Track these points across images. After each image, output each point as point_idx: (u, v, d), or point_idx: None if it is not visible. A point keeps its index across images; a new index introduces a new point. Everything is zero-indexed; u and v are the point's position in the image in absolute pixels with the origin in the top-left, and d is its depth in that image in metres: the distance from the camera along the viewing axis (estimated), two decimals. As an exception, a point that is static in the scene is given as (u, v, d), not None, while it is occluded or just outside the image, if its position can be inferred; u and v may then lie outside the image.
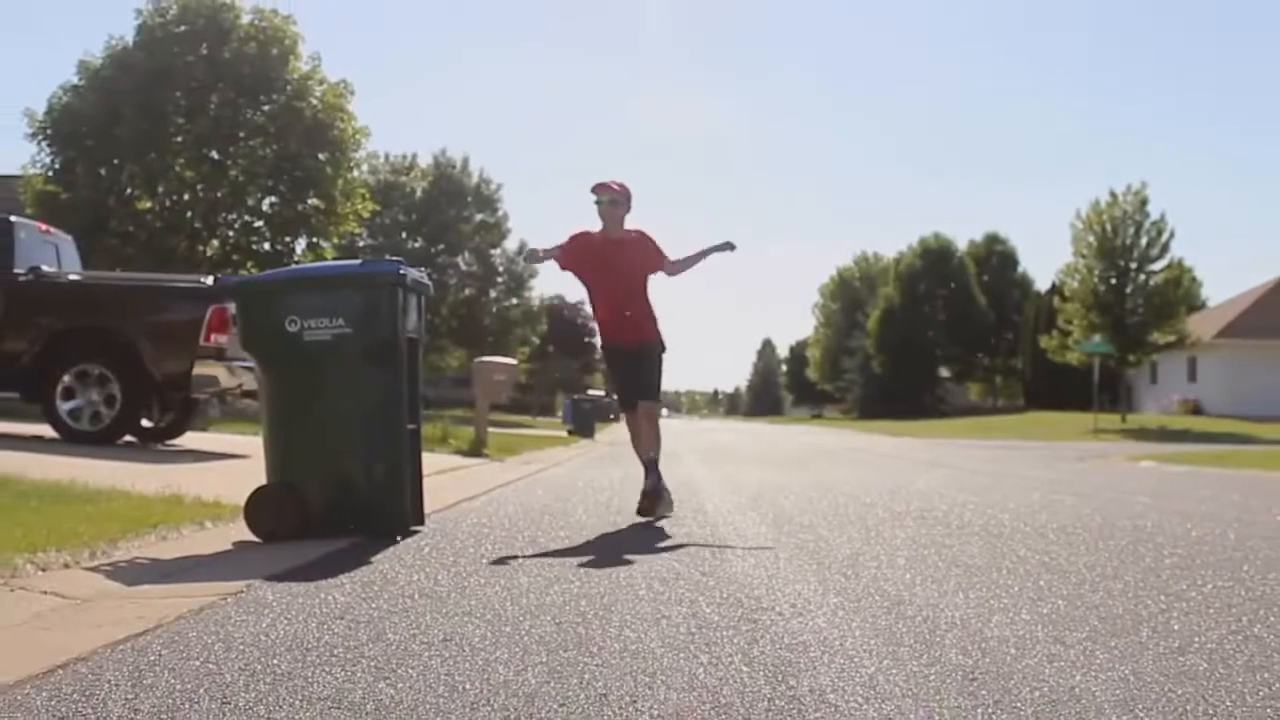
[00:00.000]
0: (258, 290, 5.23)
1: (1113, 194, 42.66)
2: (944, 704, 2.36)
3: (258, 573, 3.85)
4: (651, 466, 6.28)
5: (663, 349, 6.57)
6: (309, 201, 25.93)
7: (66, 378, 9.53)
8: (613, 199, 6.41)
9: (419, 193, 45.83)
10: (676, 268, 6.57)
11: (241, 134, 25.27)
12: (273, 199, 26.23)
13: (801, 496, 8.14)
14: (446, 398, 42.63)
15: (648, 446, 6.35)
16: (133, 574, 3.82)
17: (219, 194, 25.16)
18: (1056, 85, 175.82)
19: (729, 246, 6.65)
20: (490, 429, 15.12)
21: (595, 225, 6.49)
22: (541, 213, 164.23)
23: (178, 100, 24.56)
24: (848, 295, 79.08)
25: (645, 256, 6.50)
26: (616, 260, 6.39)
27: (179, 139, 24.67)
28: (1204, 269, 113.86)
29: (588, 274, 6.55)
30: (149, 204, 24.98)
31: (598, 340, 7.13)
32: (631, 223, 6.56)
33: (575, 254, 6.50)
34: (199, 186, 25.01)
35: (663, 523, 5.99)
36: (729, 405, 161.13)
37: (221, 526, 5.00)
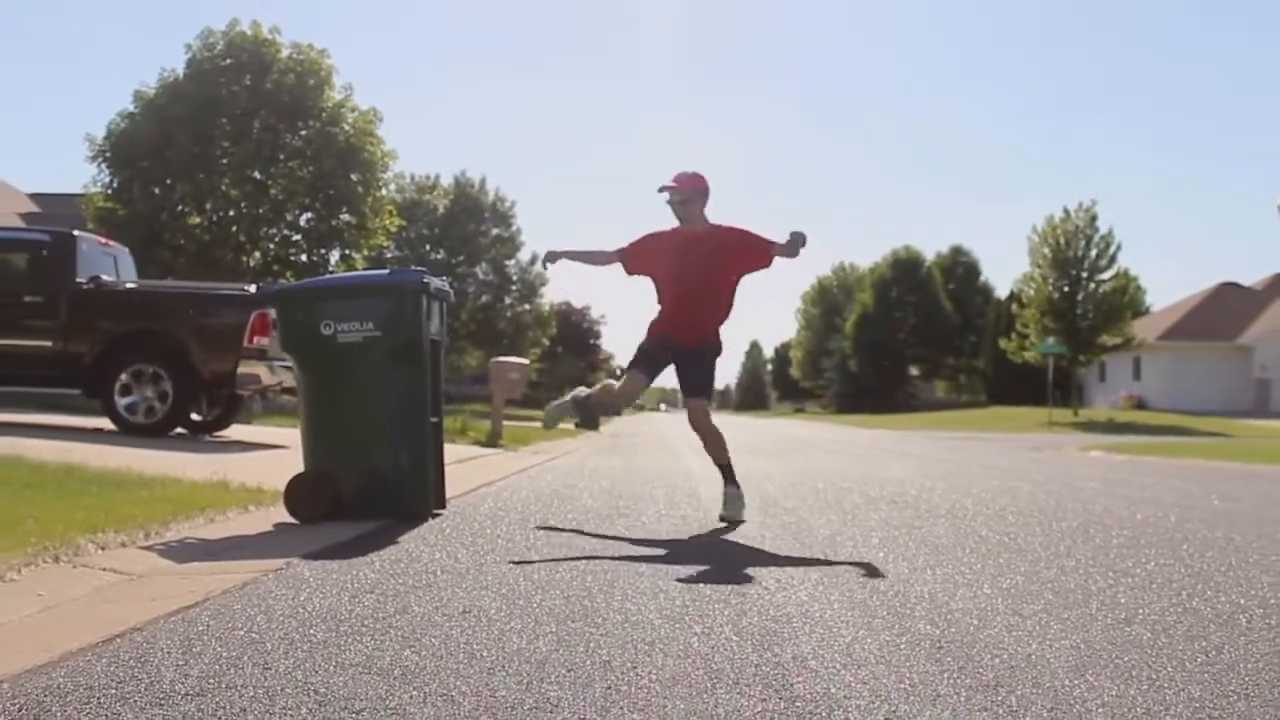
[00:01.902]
0: (296, 297, 5.22)
1: (1066, 210, 42.64)
2: (914, 669, 2.36)
3: (296, 551, 3.84)
4: (727, 474, 5.49)
5: (719, 351, 5.62)
6: (342, 217, 25.90)
7: (124, 376, 9.54)
8: (683, 198, 5.39)
9: (441, 209, 45.74)
10: (784, 252, 5.37)
11: (281, 156, 25.25)
12: (309, 215, 26.20)
13: (785, 483, 8.13)
14: (466, 394, 42.55)
15: (716, 451, 5.56)
16: (183, 553, 3.82)
17: (261, 211, 25.15)
18: (1015, 112, 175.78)
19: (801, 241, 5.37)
20: (505, 422, 15.10)
21: (667, 224, 5.55)
22: (551, 226, 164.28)
23: (224, 126, 24.53)
24: (827, 301, 78.99)
25: (736, 254, 5.42)
26: (694, 255, 5.36)
27: (225, 161, 24.65)
28: (1148, 277, 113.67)
29: (658, 271, 5.52)
30: (198, 220, 24.96)
31: (625, 333, 5.93)
32: (724, 220, 5.54)
33: (643, 254, 5.55)
34: (243, 204, 24.99)
35: (659, 507, 5.98)
36: (719, 401, 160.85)
37: (263, 510, 5.00)
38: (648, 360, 5.49)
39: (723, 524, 5.19)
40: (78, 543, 3.64)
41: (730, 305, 5.54)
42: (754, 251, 5.42)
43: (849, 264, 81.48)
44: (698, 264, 5.36)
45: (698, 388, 5.55)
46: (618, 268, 5.67)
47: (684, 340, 5.44)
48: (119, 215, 23.70)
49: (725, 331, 5.62)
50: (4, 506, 4.24)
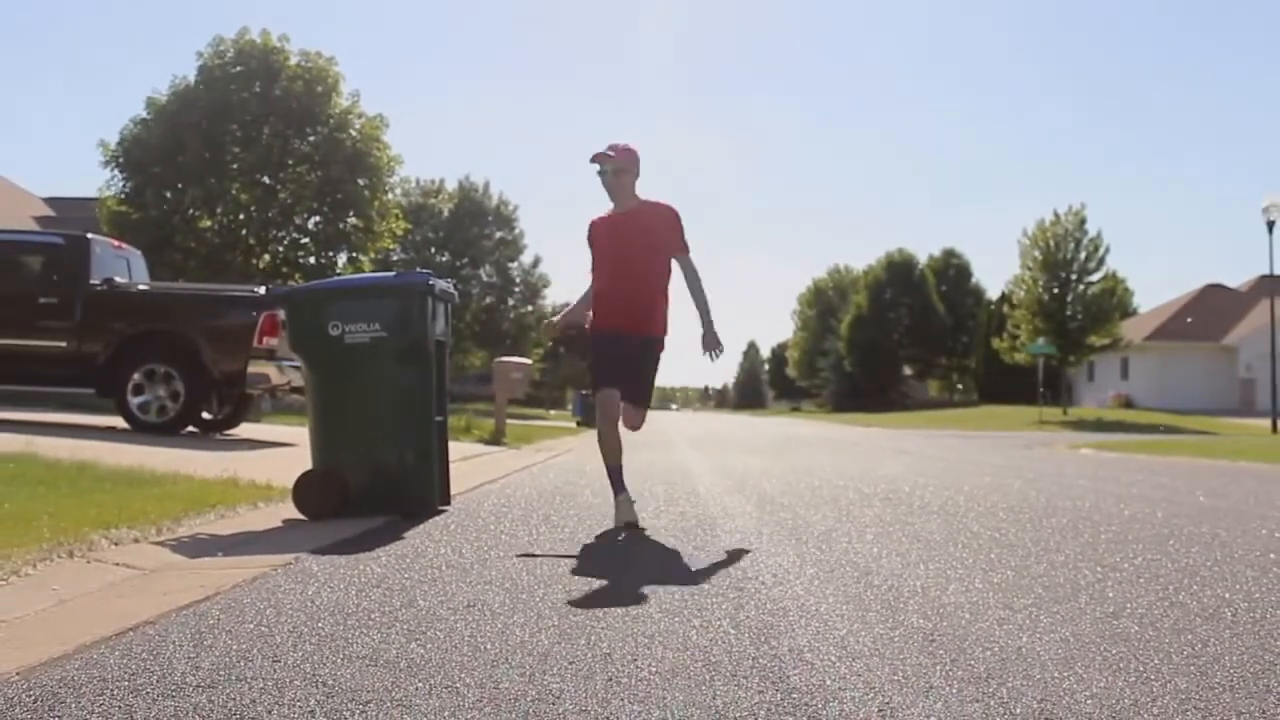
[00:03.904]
0: (304, 298, 5.23)
1: (1055, 214, 42.66)
2: (907, 662, 2.36)
3: (304, 547, 3.84)
4: (617, 475, 4.97)
5: (662, 345, 5.12)
6: (349, 221, 25.94)
7: (136, 376, 9.55)
8: (616, 167, 4.93)
9: (446, 213, 45.79)
10: (687, 271, 4.98)
11: (290, 161, 25.28)
12: (317, 219, 26.23)
13: (782, 480, 8.12)
14: (470, 393, 42.57)
15: (616, 452, 4.96)
16: (194, 548, 3.82)
17: (270, 214, 25.16)
18: (1006, 116, 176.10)
19: (717, 349, 4.99)
20: (508, 420, 15.11)
21: (604, 209, 5.11)
22: (554, 230, 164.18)
23: (234, 132, 24.56)
24: (822, 303, 79.03)
25: (665, 232, 4.95)
26: (626, 233, 4.94)
27: (235, 166, 24.68)
28: (1136, 279, 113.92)
29: (597, 253, 5.06)
30: (209, 223, 24.98)
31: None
32: (655, 196, 5.06)
33: (592, 250, 5.10)
34: (252, 208, 25.01)
35: (659, 503, 5.97)
36: (718, 400, 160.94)
37: (272, 506, 5.00)
38: (610, 370, 4.96)
39: (721, 520, 5.17)
40: (91, 538, 3.64)
41: (667, 284, 5.02)
42: (675, 238, 4.96)
43: (844, 266, 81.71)
44: (631, 242, 4.93)
45: (644, 394, 5.07)
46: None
47: (629, 329, 4.95)
48: (132, 219, 23.73)
49: (671, 317, 5.08)
50: (20, 503, 4.25)
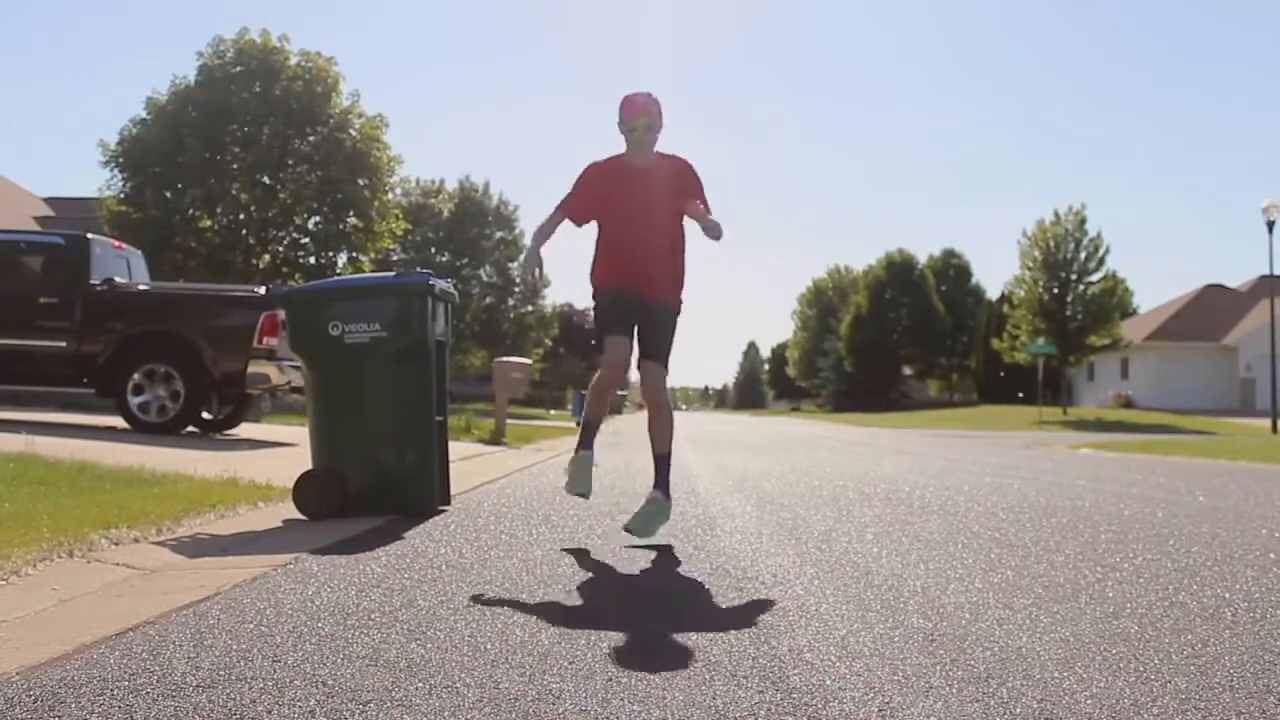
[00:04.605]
0: (305, 299, 5.22)
1: (1056, 214, 42.70)
2: (907, 662, 2.36)
3: (304, 547, 3.84)
4: (662, 470, 4.50)
5: (679, 312, 4.57)
6: (349, 221, 25.94)
7: (136, 375, 9.56)
8: (651, 124, 4.39)
9: (446, 213, 45.77)
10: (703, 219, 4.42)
11: (290, 162, 25.28)
12: (317, 219, 26.23)
13: (781, 480, 8.12)
14: (470, 393, 42.60)
15: (661, 433, 4.54)
16: (194, 548, 3.82)
17: (270, 214, 25.17)
18: (1006, 116, 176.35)
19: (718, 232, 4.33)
20: (508, 420, 15.10)
21: (608, 153, 4.54)
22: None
23: (234, 132, 24.56)
24: (822, 303, 79.07)
25: (682, 186, 4.46)
26: (646, 188, 4.41)
27: (235, 166, 24.68)
28: (1136, 279, 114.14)
29: (604, 211, 4.48)
30: (209, 223, 24.99)
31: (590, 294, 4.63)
32: (667, 149, 4.52)
33: (588, 197, 4.49)
34: (252, 208, 25.02)
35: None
36: (718, 400, 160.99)
37: (272, 506, 5.00)
38: (618, 318, 4.45)
39: (721, 520, 5.16)
40: (91, 538, 3.64)
41: (684, 245, 4.54)
42: (695, 190, 4.48)
43: (844, 266, 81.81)
44: (653, 197, 4.42)
45: (659, 350, 4.47)
46: (567, 227, 4.59)
47: (642, 291, 4.43)
48: (132, 219, 23.74)
49: (686, 284, 4.59)
50: (20, 503, 4.25)
